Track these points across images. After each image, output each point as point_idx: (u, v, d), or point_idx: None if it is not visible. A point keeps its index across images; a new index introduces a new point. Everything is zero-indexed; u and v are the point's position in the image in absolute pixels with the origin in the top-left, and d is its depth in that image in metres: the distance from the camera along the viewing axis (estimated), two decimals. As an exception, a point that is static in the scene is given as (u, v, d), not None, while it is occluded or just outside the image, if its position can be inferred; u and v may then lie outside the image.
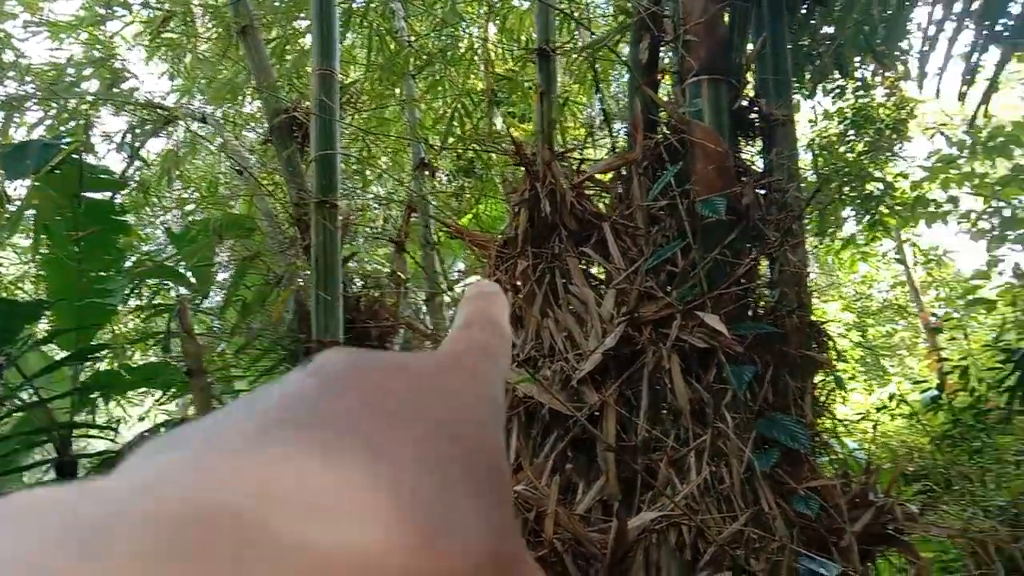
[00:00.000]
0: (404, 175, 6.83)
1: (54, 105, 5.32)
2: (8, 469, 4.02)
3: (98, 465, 4.34)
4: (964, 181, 7.43)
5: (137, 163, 5.73)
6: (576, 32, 5.18)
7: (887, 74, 6.26)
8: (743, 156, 3.09)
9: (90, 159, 4.89)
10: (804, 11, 4.35)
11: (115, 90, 5.68)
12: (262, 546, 0.15)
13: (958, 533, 2.88)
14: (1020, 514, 3.68)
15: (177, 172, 6.54)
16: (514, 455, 2.61)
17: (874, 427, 4.96)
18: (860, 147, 6.86)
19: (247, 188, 5.82)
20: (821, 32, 4.86)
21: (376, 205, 6.53)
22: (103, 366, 5.15)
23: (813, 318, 2.98)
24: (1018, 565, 2.90)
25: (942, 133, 7.71)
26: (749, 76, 3.35)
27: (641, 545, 2.21)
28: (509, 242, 3.15)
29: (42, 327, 4.94)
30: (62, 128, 5.32)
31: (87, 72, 5.90)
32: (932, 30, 3.85)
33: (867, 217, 6.89)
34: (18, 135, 5.29)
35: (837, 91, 6.63)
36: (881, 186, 6.82)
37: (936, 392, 5.54)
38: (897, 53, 5.17)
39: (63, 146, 4.29)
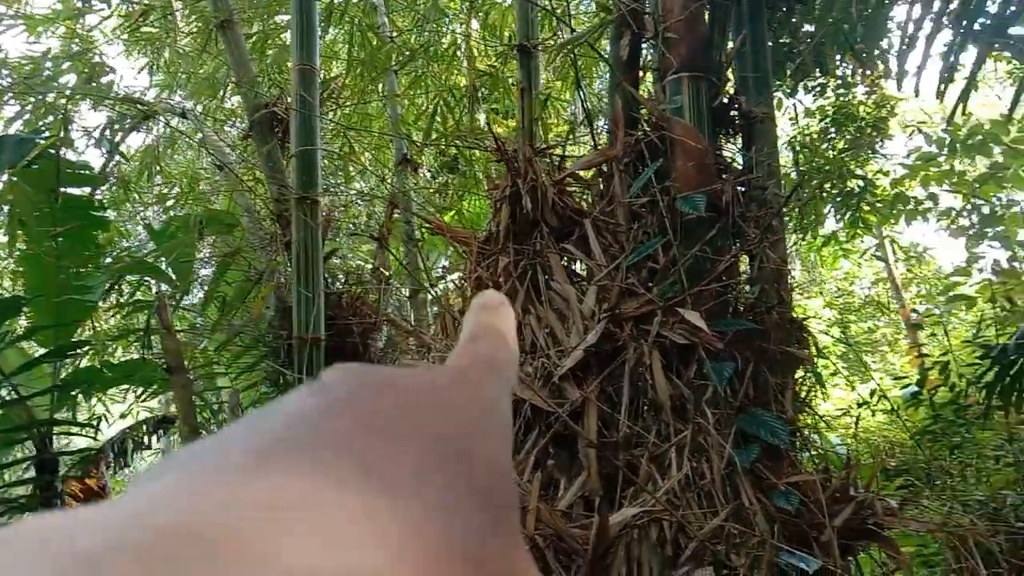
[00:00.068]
0: (387, 171, 6.82)
1: (31, 99, 5.27)
2: (-12, 467, 4.00)
3: (79, 462, 4.31)
4: (943, 178, 7.50)
5: (116, 158, 5.69)
6: (558, 29, 5.18)
7: (867, 72, 6.31)
8: (723, 153, 3.10)
9: (69, 154, 4.84)
10: (784, 9, 4.38)
11: (93, 84, 5.63)
12: (264, 571, 0.14)
13: (938, 527, 2.90)
14: (999, 508, 3.72)
15: (157, 168, 6.51)
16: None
17: (856, 422, 5.00)
18: (841, 144, 6.91)
19: (228, 184, 5.79)
20: (801, 30, 4.89)
21: (359, 201, 6.51)
22: (83, 363, 5.11)
23: (793, 314, 3.00)
24: (996, 559, 2.93)
25: (921, 131, 7.79)
26: (729, 73, 3.37)
27: (622, 541, 2.21)
28: (491, 238, 3.14)
29: (21, 323, 4.89)
30: (40, 123, 5.27)
31: (65, 66, 5.85)
32: (911, 28, 3.87)
33: (848, 214, 6.95)
34: (-6, 130, 5.24)
35: (818, 89, 6.67)
36: (861, 183, 6.87)
37: (917, 388, 5.58)
38: (877, 51, 5.21)
39: (40, 141, 4.24)
